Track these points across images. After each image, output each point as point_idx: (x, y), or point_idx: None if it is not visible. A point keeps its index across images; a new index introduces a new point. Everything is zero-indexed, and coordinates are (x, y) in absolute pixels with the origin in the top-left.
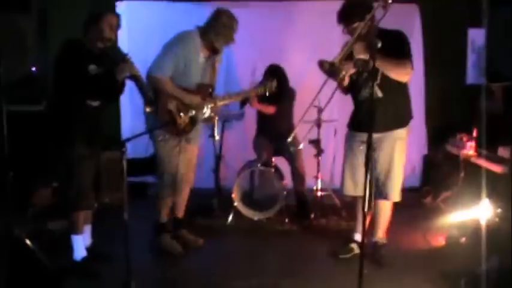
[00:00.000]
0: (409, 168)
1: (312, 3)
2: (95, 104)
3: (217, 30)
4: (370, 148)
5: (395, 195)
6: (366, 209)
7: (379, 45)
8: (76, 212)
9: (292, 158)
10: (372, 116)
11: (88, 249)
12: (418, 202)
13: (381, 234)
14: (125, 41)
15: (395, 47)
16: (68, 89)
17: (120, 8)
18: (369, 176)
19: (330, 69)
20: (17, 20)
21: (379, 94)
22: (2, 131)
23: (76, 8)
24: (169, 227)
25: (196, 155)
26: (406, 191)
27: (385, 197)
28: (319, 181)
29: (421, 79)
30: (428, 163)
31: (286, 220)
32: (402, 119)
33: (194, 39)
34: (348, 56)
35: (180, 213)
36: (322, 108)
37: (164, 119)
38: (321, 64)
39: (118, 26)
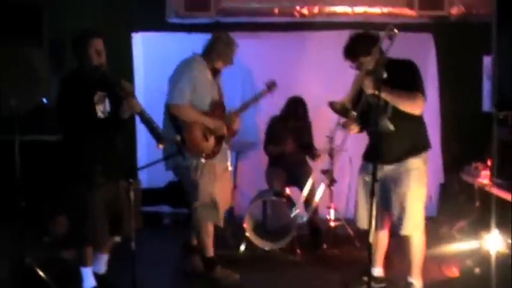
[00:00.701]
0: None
1: (326, 33)
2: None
3: (218, 51)
4: (375, 179)
5: (412, 228)
6: (371, 240)
7: (385, 75)
8: (86, 246)
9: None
10: (378, 149)
11: (100, 277)
12: (434, 231)
13: (414, 275)
14: (140, 72)
15: (404, 77)
16: (74, 125)
17: (135, 39)
18: (375, 208)
19: (340, 110)
20: (28, 52)
21: (391, 127)
22: (15, 160)
23: None
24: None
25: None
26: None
27: (401, 230)
28: (331, 211)
29: (436, 107)
30: (445, 192)
31: (298, 251)
32: (416, 148)
33: (199, 62)
34: (359, 91)
35: (210, 251)
36: (333, 138)
37: (196, 150)
38: (331, 105)
39: (104, 48)
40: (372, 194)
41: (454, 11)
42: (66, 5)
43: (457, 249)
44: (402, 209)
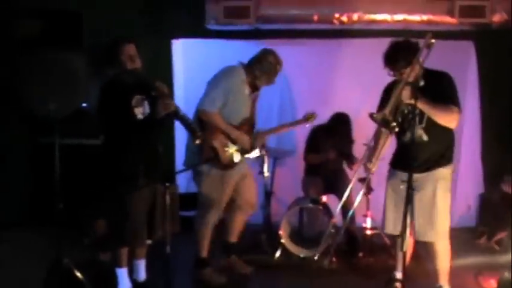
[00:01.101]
0: (464, 207)
1: (365, 41)
2: (143, 117)
3: (262, 68)
4: (410, 187)
5: (437, 236)
6: (404, 249)
7: (422, 83)
8: (124, 247)
9: (343, 196)
10: (412, 157)
11: (142, 285)
12: (472, 242)
13: (442, 281)
14: (180, 79)
15: (440, 89)
16: (115, 128)
17: (176, 45)
18: (409, 215)
19: (381, 121)
20: (68, 56)
21: (424, 138)
22: (54, 164)
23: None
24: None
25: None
26: (459, 230)
27: (427, 237)
28: (368, 219)
29: (477, 116)
30: (484, 202)
31: (334, 258)
32: (446, 159)
33: (240, 74)
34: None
35: (233, 237)
36: (371, 146)
37: (207, 155)
38: (372, 117)
39: (137, 52)
40: (406, 201)
41: (496, 18)
42: (106, 12)
43: (496, 260)
44: (428, 217)
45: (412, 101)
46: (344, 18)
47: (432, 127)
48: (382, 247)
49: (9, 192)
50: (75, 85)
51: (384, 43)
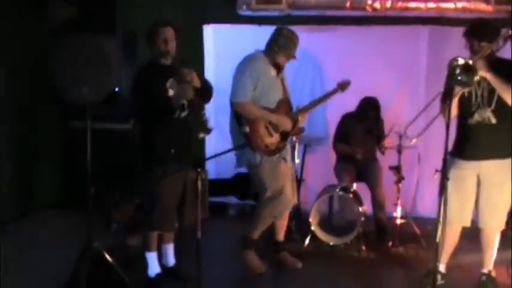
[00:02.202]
0: None
1: (398, 28)
2: (184, 114)
3: (279, 45)
4: (445, 176)
5: (498, 225)
6: (439, 238)
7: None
8: (157, 231)
9: (373, 184)
10: (480, 144)
11: (171, 269)
12: (504, 234)
13: (489, 266)
14: (211, 64)
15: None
16: (149, 110)
17: (206, 31)
18: (443, 204)
19: (464, 66)
20: (101, 41)
21: (493, 120)
22: (87, 148)
23: None
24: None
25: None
26: None
27: (488, 226)
28: (399, 208)
29: None
30: None
31: (363, 247)
32: None
33: (262, 58)
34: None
35: (281, 235)
36: (402, 134)
37: (258, 145)
38: (453, 62)
39: (174, 36)
40: (441, 189)
41: None
42: None
43: None
44: (494, 207)
45: (486, 75)
46: (377, 5)
47: (501, 110)
48: (412, 236)
49: (43, 175)
50: (108, 69)
51: (417, 30)
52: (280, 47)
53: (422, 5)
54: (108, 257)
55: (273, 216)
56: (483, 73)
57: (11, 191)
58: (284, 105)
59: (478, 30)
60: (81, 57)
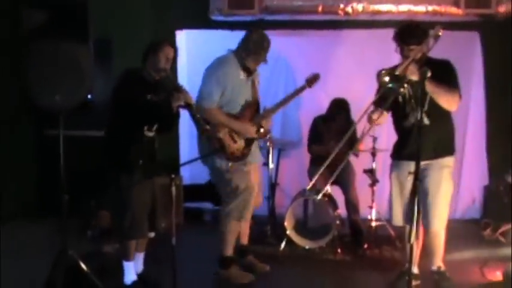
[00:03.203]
0: (469, 199)
1: (370, 31)
2: (151, 134)
3: (247, 50)
4: (417, 178)
5: (441, 224)
6: (412, 240)
7: (429, 74)
8: (129, 239)
9: (346, 187)
10: (419, 143)
11: (139, 276)
12: (477, 234)
13: (439, 263)
14: (184, 69)
15: (443, 76)
16: (125, 117)
17: (179, 36)
18: (416, 206)
19: (392, 76)
20: (73, 48)
21: (426, 121)
22: (59, 156)
23: (139, 36)
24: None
25: (260, 175)
26: (464, 222)
27: (431, 225)
28: (373, 211)
29: (482, 107)
30: (489, 194)
31: (339, 250)
32: (450, 147)
33: (231, 61)
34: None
35: (245, 239)
36: (376, 137)
37: (214, 146)
38: (379, 74)
39: (174, 57)
40: (413, 191)
41: (502, 8)
42: (111, 3)
43: (501, 252)
44: (434, 206)
45: (417, 78)
46: (349, 9)
47: (434, 111)
48: (387, 238)
49: (15, 183)
50: (81, 77)
51: (389, 34)
52: (247, 53)
53: (393, 9)
54: (83, 264)
55: (237, 223)
56: (415, 77)
57: None
58: (250, 108)
59: (405, 34)
60: (53, 64)
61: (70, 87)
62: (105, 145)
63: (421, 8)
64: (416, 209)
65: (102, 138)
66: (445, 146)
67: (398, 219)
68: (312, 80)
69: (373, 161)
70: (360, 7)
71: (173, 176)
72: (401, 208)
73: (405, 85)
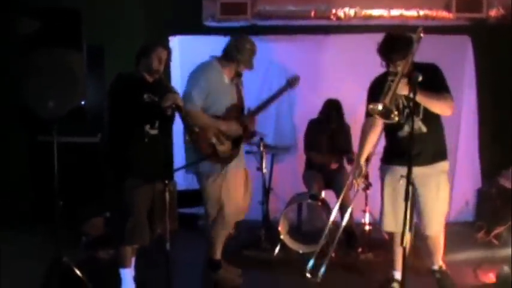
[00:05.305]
0: (462, 202)
1: (363, 36)
2: (153, 132)
3: (231, 57)
4: (409, 183)
5: (440, 227)
6: (404, 244)
7: (420, 78)
8: (127, 245)
9: (340, 192)
10: (410, 152)
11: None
12: (471, 237)
13: (440, 262)
14: (177, 75)
15: (431, 80)
16: (123, 118)
17: (172, 42)
18: (409, 211)
19: (382, 111)
20: (66, 54)
21: (424, 129)
22: (53, 162)
23: (132, 42)
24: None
25: (248, 177)
26: (458, 225)
27: (431, 230)
28: (367, 215)
29: (474, 111)
30: (482, 197)
31: (333, 254)
32: (444, 152)
33: (214, 67)
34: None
35: (219, 253)
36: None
37: (206, 152)
38: (371, 109)
39: (167, 59)
40: (406, 197)
41: (493, 13)
42: (105, 10)
43: (494, 255)
44: (431, 211)
45: (408, 93)
46: (341, 14)
47: (429, 118)
48: (381, 242)
49: (8, 190)
50: (74, 83)
51: (378, 37)
52: (230, 61)
53: (385, 13)
54: (77, 271)
55: (226, 229)
56: (405, 93)
57: None
58: (235, 111)
59: (389, 51)
60: (46, 71)
61: (63, 94)
62: (107, 150)
63: (412, 13)
64: (409, 213)
65: (96, 144)
66: (441, 151)
67: (389, 225)
68: (293, 81)
69: (366, 165)
70: (352, 12)
71: (167, 181)
72: (393, 213)
73: (395, 113)
